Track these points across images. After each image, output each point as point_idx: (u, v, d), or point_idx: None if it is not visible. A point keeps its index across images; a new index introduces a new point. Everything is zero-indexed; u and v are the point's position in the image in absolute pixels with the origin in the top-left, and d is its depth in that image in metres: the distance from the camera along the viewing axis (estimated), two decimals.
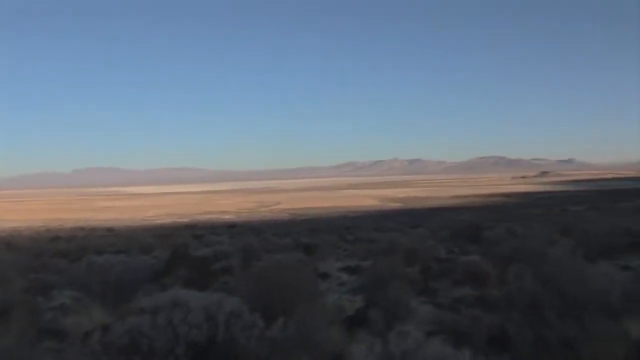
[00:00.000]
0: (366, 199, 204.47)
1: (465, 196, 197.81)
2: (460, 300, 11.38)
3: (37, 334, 7.98)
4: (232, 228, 64.04)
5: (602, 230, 16.87)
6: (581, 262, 8.43)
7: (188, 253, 17.48)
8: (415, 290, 11.77)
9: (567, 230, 19.73)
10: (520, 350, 6.57)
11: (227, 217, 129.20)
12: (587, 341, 6.21)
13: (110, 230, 75.25)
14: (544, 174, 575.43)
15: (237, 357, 6.05)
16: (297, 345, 6.14)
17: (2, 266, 15.57)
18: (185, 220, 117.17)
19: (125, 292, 11.51)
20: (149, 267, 14.24)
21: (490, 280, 12.58)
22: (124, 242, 37.49)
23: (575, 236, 16.89)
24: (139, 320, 6.28)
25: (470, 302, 11.03)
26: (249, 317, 6.57)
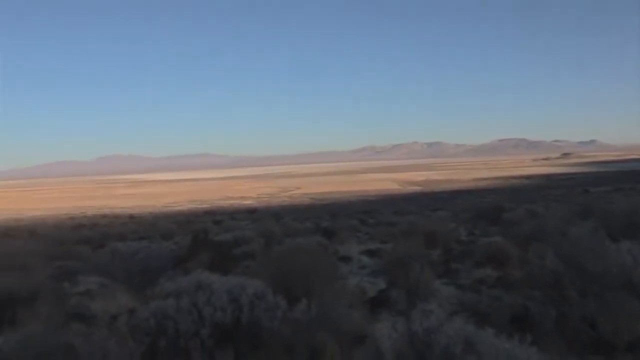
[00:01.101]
0: (386, 183, 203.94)
1: (486, 179, 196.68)
2: (481, 281, 11.39)
3: (65, 318, 8.13)
4: (252, 213, 64.30)
5: (625, 210, 16.72)
6: (603, 240, 8.39)
7: (209, 238, 17.59)
8: (437, 271, 11.80)
9: (588, 210, 19.58)
10: (543, 329, 6.59)
11: (247, 202, 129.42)
12: (608, 318, 6.21)
13: (131, 217, 75.73)
14: (565, 155, 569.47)
15: (261, 338, 6.13)
16: (319, 326, 6.19)
17: (27, 254, 15.77)
18: (206, 206, 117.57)
19: (149, 277, 11.63)
20: (170, 253, 14.39)
21: (511, 260, 12.56)
22: (146, 229, 37.82)
23: (597, 216, 16.77)
24: (164, 304, 6.39)
25: (491, 283, 11.04)
26: (272, 299, 6.65)
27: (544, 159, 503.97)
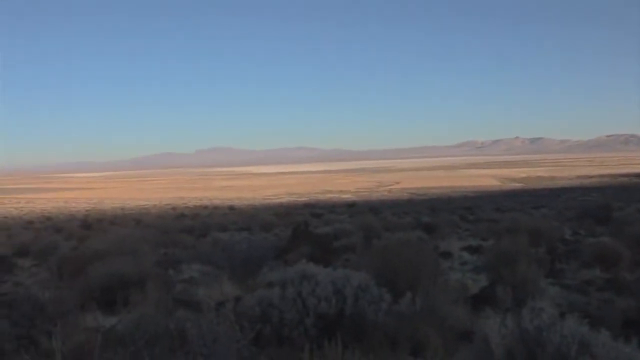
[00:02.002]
0: (486, 179, 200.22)
1: (591, 176, 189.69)
2: (589, 282, 11.02)
3: (172, 303, 8.39)
4: (351, 207, 64.45)
5: None
6: None
7: (309, 231, 17.73)
8: (542, 271, 11.47)
9: None
10: None
11: (345, 196, 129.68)
12: None
13: (231, 208, 77.35)
14: None
15: (365, 330, 6.13)
16: (424, 320, 6.14)
17: (134, 241, 16.35)
18: (304, 199, 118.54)
19: (250, 267, 11.86)
20: (271, 244, 14.59)
21: (623, 262, 12.08)
22: (246, 220, 38.58)
23: None
24: (269, 293, 6.50)
25: (600, 285, 10.65)
26: (377, 291, 6.63)
27: None
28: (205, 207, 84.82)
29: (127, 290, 8.88)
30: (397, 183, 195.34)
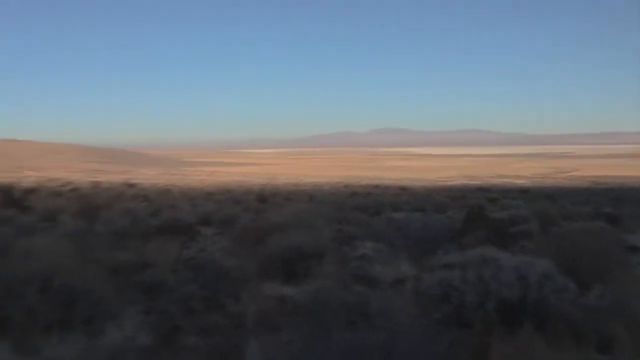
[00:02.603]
0: None
1: None
2: None
3: (349, 278, 8.58)
4: (525, 193, 62.42)
5: None
6: None
7: (484, 215, 17.35)
8: None
9: None
10: None
11: (519, 181, 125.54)
12: None
13: (403, 189, 77.12)
14: None
15: (547, 318, 5.93)
16: (612, 315, 5.83)
17: (310, 216, 16.80)
18: (477, 182, 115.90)
19: (426, 247, 11.83)
20: (446, 226, 14.47)
21: None
22: (418, 201, 38.35)
23: None
24: (449, 274, 6.45)
25: None
26: (561, 280, 6.41)
27: None
28: (377, 187, 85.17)
29: (304, 263, 9.17)
30: (576, 170, 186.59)
